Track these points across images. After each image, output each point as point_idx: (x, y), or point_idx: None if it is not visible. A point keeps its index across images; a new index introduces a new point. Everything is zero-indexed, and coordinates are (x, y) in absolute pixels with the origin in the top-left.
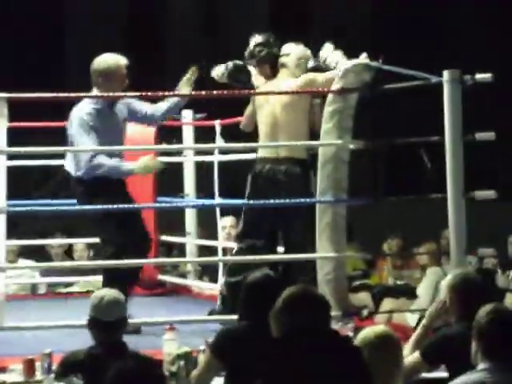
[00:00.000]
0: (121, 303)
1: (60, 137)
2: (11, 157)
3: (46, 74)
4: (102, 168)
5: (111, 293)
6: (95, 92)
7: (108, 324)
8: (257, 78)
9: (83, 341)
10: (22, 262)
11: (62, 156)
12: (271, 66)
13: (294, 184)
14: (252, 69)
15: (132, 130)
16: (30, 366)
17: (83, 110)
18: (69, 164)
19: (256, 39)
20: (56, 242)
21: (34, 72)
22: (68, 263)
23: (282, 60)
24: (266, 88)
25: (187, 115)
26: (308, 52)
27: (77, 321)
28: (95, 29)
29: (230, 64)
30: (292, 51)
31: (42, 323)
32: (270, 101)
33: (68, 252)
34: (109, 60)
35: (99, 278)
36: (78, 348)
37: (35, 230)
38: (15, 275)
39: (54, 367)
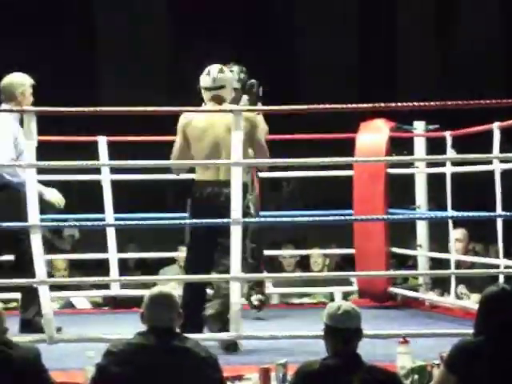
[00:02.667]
0: (357, 314)
1: None
2: None
3: None
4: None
5: (347, 303)
6: None
7: (344, 333)
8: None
9: (317, 351)
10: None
11: None
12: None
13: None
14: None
15: (363, 141)
16: (265, 375)
17: None
18: None
19: (235, 68)
20: (287, 253)
21: None
22: (299, 274)
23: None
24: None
25: (419, 126)
26: None
27: (309, 331)
28: None
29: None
30: None
31: (276, 333)
32: (208, 126)
33: (300, 262)
34: None
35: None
36: (312, 358)
37: (267, 241)
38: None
39: (289, 377)
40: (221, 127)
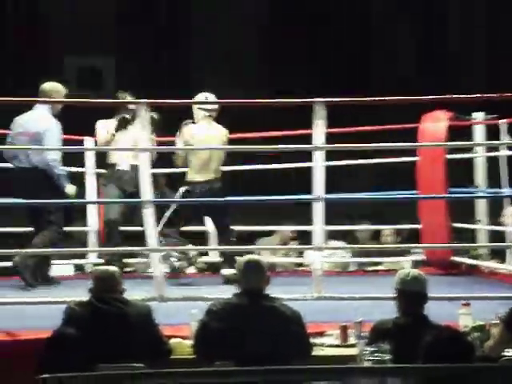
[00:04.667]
0: (424, 279)
1: None
2: None
3: None
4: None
5: (416, 270)
6: None
7: (413, 296)
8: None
9: (389, 311)
10: (335, 243)
11: None
12: None
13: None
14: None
15: (425, 126)
16: (344, 331)
17: None
18: None
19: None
20: (363, 228)
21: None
22: (374, 246)
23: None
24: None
25: (478, 116)
26: None
27: (383, 294)
28: None
29: None
30: None
31: (354, 295)
32: (208, 139)
33: (375, 236)
34: None
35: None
36: (384, 318)
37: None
38: (328, 254)
39: (365, 334)
40: (215, 140)
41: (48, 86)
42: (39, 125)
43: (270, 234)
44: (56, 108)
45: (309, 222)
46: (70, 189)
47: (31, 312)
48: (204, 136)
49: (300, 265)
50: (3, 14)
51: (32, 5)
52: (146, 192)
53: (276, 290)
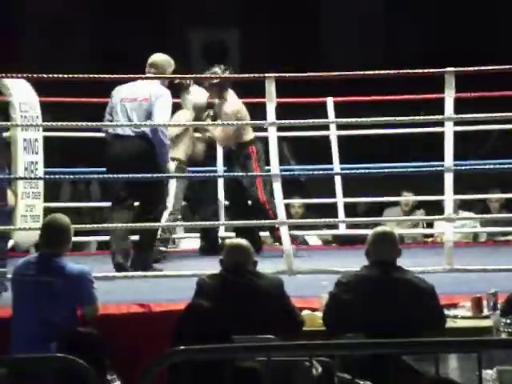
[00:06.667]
0: None
1: None
2: None
3: None
4: None
5: None
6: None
7: None
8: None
9: None
10: (463, 214)
11: None
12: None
13: None
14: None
15: None
16: (477, 303)
17: None
18: None
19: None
20: (493, 197)
21: None
22: (505, 215)
23: None
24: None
25: None
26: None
27: None
28: None
29: None
30: None
31: (486, 266)
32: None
33: (506, 205)
34: None
35: None
36: None
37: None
38: (459, 225)
39: (499, 305)
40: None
41: (160, 58)
42: (152, 90)
43: (394, 204)
44: (165, 81)
45: (429, 191)
46: (172, 165)
47: (165, 285)
48: None
49: (429, 236)
50: None
51: None
52: (274, 166)
53: (406, 262)
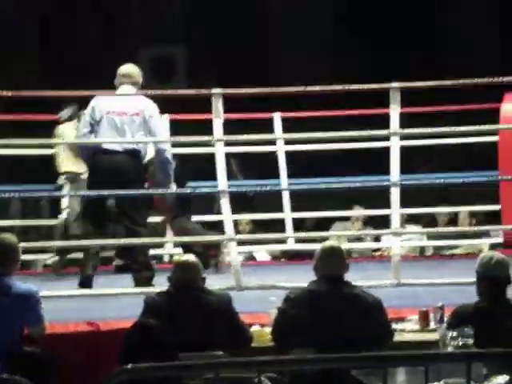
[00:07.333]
0: (507, 263)
1: None
2: None
3: None
4: None
5: (498, 253)
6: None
7: (495, 280)
8: None
9: (468, 296)
10: (410, 228)
11: None
12: None
13: None
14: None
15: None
16: (424, 316)
17: None
18: None
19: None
20: (439, 211)
21: None
22: (451, 229)
23: None
24: None
25: None
26: None
27: (461, 278)
28: None
29: None
30: None
31: (431, 280)
32: None
33: (451, 219)
34: None
35: (483, 241)
36: (464, 302)
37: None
38: (406, 238)
39: (446, 318)
40: None
41: (134, 68)
42: (141, 104)
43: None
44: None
45: (376, 205)
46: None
47: (113, 302)
48: None
49: (376, 250)
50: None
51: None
52: (222, 182)
53: (354, 277)
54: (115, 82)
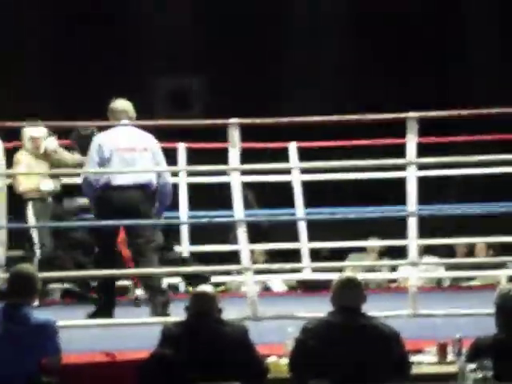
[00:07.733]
0: None
1: None
2: None
3: None
4: None
5: None
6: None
7: None
8: None
9: (487, 328)
10: (428, 259)
11: None
12: None
13: None
14: None
15: None
16: (443, 349)
17: None
18: None
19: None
20: (459, 242)
21: None
22: (469, 260)
23: None
24: None
25: None
26: None
27: (479, 310)
28: None
29: None
30: None
31: (449, 311)
32: None
33: (469, 251)
34: None
35: (499, 273)
36: (482, 334)
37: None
38: (423, 270)
39: (464, 350)
40: None
41: (128, 104)
42: (146, 139)
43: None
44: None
45: (391, 236)
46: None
47: (130, 332)
48: None
49: (392, 281)
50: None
51: None
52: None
53: (370, 308)
54: (110, 117)
